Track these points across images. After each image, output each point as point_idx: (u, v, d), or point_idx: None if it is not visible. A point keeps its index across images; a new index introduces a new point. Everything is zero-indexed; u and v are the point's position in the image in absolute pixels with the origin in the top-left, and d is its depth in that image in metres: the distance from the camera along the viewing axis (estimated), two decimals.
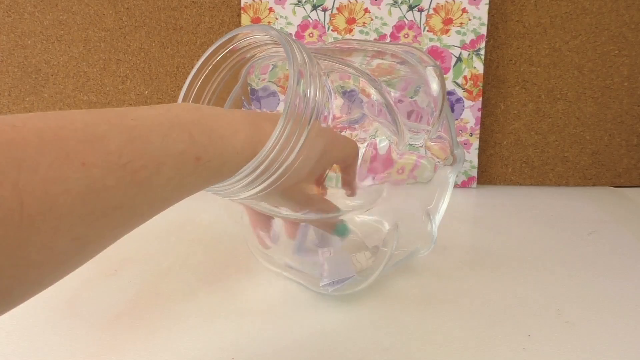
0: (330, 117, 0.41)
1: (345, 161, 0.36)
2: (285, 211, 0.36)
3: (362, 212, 0.42)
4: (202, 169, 0.26)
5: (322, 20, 0.67)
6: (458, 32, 0.66)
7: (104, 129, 0.22)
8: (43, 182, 0.19)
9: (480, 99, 0.67)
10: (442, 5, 0.65)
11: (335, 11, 0.67)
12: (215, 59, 0.35)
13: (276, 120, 0.30)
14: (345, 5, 0.67)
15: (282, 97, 0.45)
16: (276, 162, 0.28)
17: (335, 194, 0.43)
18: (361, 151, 0.42)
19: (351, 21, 0.67)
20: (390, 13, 0.66)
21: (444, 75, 0.67)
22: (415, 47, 0.39)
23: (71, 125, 0.21)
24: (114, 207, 0.21)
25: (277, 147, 0.28)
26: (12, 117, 0.20)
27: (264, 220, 0.40)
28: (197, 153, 0.25)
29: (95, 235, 0.21)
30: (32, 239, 0.19)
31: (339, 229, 0.40)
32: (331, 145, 0.33)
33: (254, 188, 0.29)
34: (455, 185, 0.70)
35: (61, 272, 0.21)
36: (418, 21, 0.66)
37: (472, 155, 0.69)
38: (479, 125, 0.68)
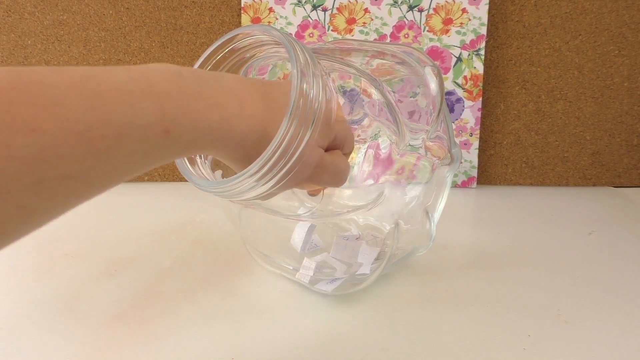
0: (333, 117, 0.41)
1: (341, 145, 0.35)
2: (287, 212, 0.36)
3: (364, 212, 0.42)
4: (171, 143, 0.24)
5: (322, 21, 0.67)
6: (458, 32, 0.66)
7: (63, 92, 0.20)
8: None
9: (480, 99, 0.67)
10: (442, 5, 0.65)
11: (335, 11, 0.67)
12: (214, 59, 0.35)
13: (271, 90, 0.29)
14: (345, 5, 0.67)
15: None
16: (279, 163, 0.28)
17: (338, 194, 0.43)
18: (362, 151, 0.42)
19: (351, 21, 0.67)
20: (390, 13, 0.66)
21: (444, 76, 0.67)
22: (413, 48, 0.39)
23: (25, 86, 0.19)
24: (65, 176, 0.20)
25: (281, 148, 0.27)
26: None
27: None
28: (166, 126, 0.23)
29: (43, 205, 0.20)
30: None
31: None
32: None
33: (258, 189, 0.29)
34: (455, 185, 0.70)
35: (3, 240, 0.20)
36: (418, 21, 0.66)
37: (472, 155, 0.69)
38: (479, 126, 0.68)
